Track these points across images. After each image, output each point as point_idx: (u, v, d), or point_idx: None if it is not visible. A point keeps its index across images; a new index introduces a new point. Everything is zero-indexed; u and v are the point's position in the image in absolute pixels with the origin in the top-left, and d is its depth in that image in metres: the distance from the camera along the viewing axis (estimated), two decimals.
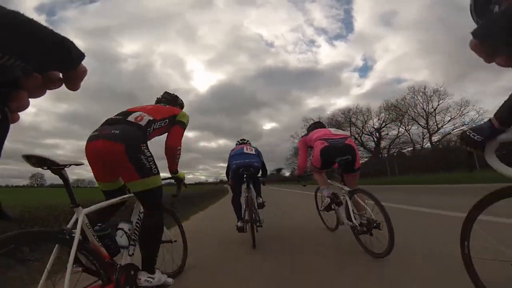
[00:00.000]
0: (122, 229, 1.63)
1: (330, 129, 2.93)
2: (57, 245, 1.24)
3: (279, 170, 21.61)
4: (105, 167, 1.64)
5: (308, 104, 71.40)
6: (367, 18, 65.64)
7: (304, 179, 3.49)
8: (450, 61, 38.70)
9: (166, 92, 2.34)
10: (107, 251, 1.46)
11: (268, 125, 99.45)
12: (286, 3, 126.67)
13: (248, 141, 3.86)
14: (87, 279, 1.37)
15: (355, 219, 2.42)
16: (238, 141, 3.89)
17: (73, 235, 1.24)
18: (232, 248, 2.99)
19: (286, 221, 4.66)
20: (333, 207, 2.80)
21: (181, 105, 2.33)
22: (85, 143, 1.62)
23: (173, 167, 2.06)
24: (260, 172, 3.58)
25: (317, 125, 3.21)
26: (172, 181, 2.17)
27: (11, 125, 0.36)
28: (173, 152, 1.98)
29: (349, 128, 30.50)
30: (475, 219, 1.25)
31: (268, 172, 4.25)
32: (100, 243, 1.43)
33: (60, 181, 1.31)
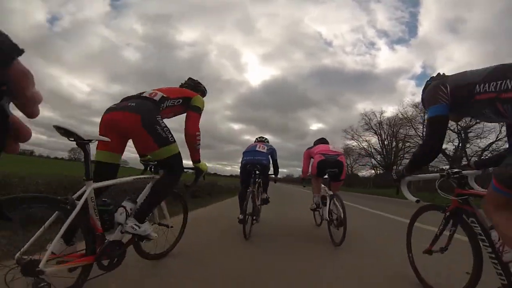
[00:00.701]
0: (124, 207, 1.64)
1: (329, 145, 3.69)
2: (56, 212, 1.27)
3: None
4: (117, 138, 1.68)
5: (358, 108, 68.55)
6: (433, 23, 61.61)
7: (306, 182, 4.24)
8: None
9: (190, 78, 2.37)
10: (102, 225, 1.47)
11: (314, 125, 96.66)
12: (350, 2, 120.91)
13: (266, 139, 4.02)
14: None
15: (331, 215, 3.18)
16: (256, 138, 4.06)
17: (75, 205, 1.26)
18: (226, 238, 3.13)
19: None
20: (319, 206, 3.62)
21: (203, 91, 2.35)
22: None
23: (195, 156, 2.06)
24: (272, 170, 3.92)
25: (322, 140, 3.88)
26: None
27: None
28: (193, 139, 1.99)
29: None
30: (413, 226, 2.04)
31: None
32: (98, 217, 1.44)
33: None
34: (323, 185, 3.65)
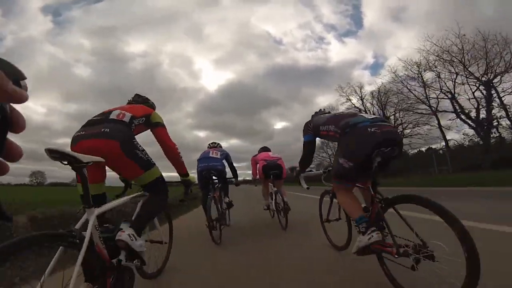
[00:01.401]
0: (121, 229, 1.53)
1: (270, 153, 4.50)
2: (61, 247, 1.15)
3: (292, 169, 20.18)
4: (97, 167, 1.59)
5: (319, 102, 69.08)
6: (376, 13, 62.99)
7: (258, 182, 5.05)
8: None
9: (136, 94, 2.29)
10: (108, 253, 1.37)
11: (279, 124, 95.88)
12: None
13: (218, 144, 4.23)
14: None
15: (278, 207, 4.02)
16: (209, 144, 4.23)
17: (83, 238, 1.16)
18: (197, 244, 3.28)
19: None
20: (270, 208, 4.44)
21: (152, 106, 2.27)
22: None
23: (181, 170, 2.05)
24: (231, 174, 4.26)
25: (264, 149, 4.71)
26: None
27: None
28: (175, 154, 1.98)
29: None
30: (321, 204, 2.84)
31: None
32: (104, 245, 1.33)
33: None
34: (270, 184, 4.31)
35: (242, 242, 3.26)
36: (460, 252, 1.22)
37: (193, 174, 2.11)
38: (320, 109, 2.43)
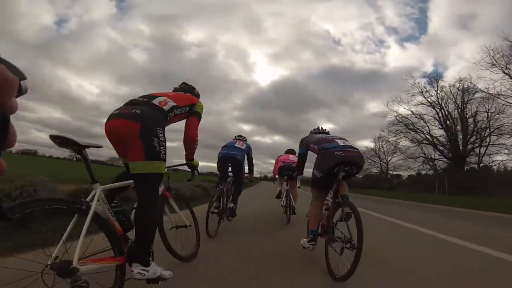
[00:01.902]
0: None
1: (290, 155, 5.09)
2: (76, 214, 1.38)
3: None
4: (121, 144, 1.65)
5: (369, 108, 66.26)
6: (443, 19, 59.80)
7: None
8: None
9: (184, 83, 2.37)
10: (120, 226, 1.59)
11: (325, 126, 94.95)
12: None
13: (244, 138, 4.30)
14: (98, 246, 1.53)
15: (287, 204, 4.59)
16: (235, 136, 4.32)
17: (90, 207, 1.38)
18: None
19: None
20: (281, 196, 4.93)
21: (197, 95, 2.35)
22: None
23: (190, 155, 2.14)
24: (247, 169, 4.33)
25: (289, 151, 5.32)
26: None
27: None
28: (192, 142, 2.06)
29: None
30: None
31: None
32: (115, 218, 1.56)
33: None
34: (285, 183, 4.87)
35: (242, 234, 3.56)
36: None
37: (196, 158, 2.20)
38: (318, 127, 3.07)
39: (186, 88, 2.31)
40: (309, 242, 2.48)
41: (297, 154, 2.96)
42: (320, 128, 3.06)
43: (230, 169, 3.80)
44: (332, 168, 2.32)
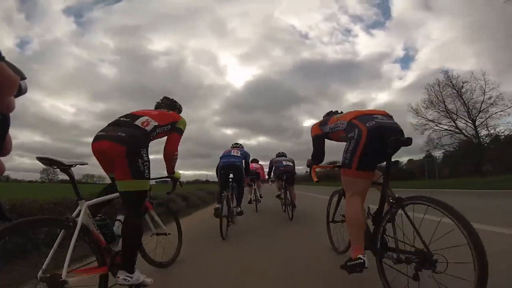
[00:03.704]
0: (120, 220, 1.88)
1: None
2: (62, 230, 1.49)
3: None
4: (110, 162, 1.79)
5: (348, 99, 68.09)
6: (405, 2, 60.78)
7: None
8: (500, 47, 28.39)
9: (165, 97, 2.49)
10: (104, 238, 1.71)
11: (308, 122, 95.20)
12: None
13: (240, 145, 4.85)
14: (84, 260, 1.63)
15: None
16: (232, 145, 4.88)
17: (76, 223, 1.50)
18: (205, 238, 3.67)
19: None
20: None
21: (179, 109, 2.47)
22: None
23: (170, 169, 2.27)
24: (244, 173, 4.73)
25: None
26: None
27: None
28: (171, 157, 2.19)
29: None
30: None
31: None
32: (99, 231, 1.68)
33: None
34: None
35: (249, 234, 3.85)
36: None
37: (177, 171, 2.33)
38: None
39: (168, 103, 2.42)
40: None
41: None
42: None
43: (231, 175, 4.20)
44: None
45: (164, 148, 2.17)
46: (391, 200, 1.66)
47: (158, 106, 2.41)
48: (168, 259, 2.45)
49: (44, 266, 1.39)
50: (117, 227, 1.86)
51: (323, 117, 2.58)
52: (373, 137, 1.72)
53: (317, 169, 2.55)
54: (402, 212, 1.56)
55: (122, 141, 1.70)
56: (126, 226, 1.73)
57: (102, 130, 1.82)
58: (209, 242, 3.41)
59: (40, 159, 1.48)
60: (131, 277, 1.65)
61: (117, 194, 1.84)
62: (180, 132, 2.19)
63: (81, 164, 1.67)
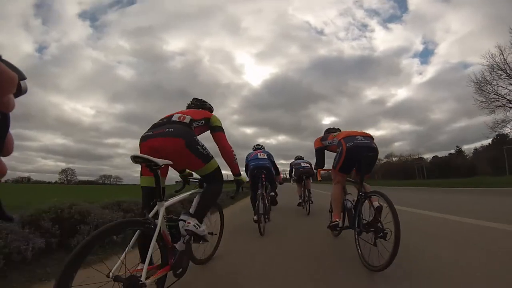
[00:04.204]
0: (184, 220, 1.84)
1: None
2: (138, 231, 1.48)
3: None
4: (164, 158, 1.73)
5: (367, 95, 67.12)
6: None
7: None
8: None
9: (194, 98, 2.55)
10: (171, 238, 1.70)
11: (327, 120, 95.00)
12: None
13: (262, 146, 5.17)
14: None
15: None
16: (254, 146, 5.18)
17: (155, 224, 1.50)
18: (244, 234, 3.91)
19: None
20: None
21: (209, 108, 2.51)
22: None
23: (235, 170, 2.30)
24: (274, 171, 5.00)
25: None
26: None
27: None
28: (230, 155, 2.23)
29: None
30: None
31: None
32: (168, 232, 1.67)
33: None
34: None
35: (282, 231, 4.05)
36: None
37: (243, 173, 2.35)
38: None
39: (197, 103, 2.48)
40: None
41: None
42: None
43: (263, 176, 4.41)
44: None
45: (220, 150, 2.22)
46: (360, 194, 2.54)
47: (188, 107, 2.46)
48: (207, 255, 2.48)
49: (116, 265, 1.34)
50: (181, 227, 1.83)
51: (324, 133, 3.49)
52: (350, 153, 2.65)
53: (321, 171, 3.34)
54: (367, 201, 2.42)
55: (176, 134, 1.81)
56: (209, 189, 2.04)
57: (147, 132, 1.90)
58: (247, 237, 3.65)
59: (134, 157, 1.52)
60: (200, 226, 1.82)
61: (185, 194, 1.99)
62: (221, 129, 2.24)
63: (169, 164, 1.76)
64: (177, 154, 1.80)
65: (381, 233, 2.10)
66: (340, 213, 2.74)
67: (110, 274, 1.30)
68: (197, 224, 1.81)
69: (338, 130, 5.31)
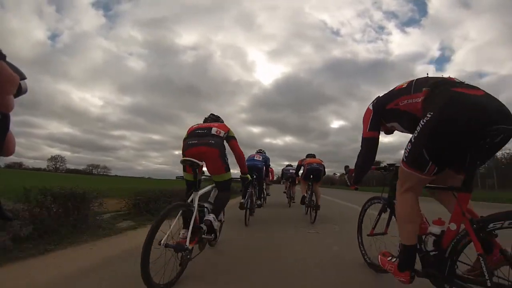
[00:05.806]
0: (206, 207, 2.50)
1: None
2: (181, 211, 2.09)
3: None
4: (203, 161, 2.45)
5: None
6: None
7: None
8: None
9: (212, 114, 3.06)
10: (199, 219, 2.30)
11: (335, 123, 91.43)
12: None
13: (263, 151, 6.15)
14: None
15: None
16: (257, 151, 6.14)
17: (194, 207, 2.17)
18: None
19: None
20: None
21: (222, 122, 3.01)
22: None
23: (244, 169, 2.99)
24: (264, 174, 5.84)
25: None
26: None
27: None
28: (242, 158, 2.91)
29: None
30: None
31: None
32: (198, 214, 2.27)
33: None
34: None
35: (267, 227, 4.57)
36: None
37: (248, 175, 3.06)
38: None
39: (214, 118, 3.01)
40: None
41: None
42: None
43: (254, 176, 5.21)
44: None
45: (234, 155, 2.88)
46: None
47: (205, 120, 2.97)
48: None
49: (166, 236, 1.83)
50: (206, 212, 2.44)
51: (306, 156, 5.83)
52: (307, 172, 5.36)
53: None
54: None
55: (215, 146, 2.49)
56: (221, 196, 2.62)
57: (192, 140, 2.53)
58: (234, 228, 4.21)
59: (184, 161, 2.28)
60: (216, 220, 2.36)
61: (209, 187, 2.63)
62: (235, 138, 2.88)
63: (199, 164, 2.33)
64: (211, 160, 2.47)
65: None
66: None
67: (161, 242, 1.79)
68: (214, 218, 2.36)
69: (313, 156, 6.07)
